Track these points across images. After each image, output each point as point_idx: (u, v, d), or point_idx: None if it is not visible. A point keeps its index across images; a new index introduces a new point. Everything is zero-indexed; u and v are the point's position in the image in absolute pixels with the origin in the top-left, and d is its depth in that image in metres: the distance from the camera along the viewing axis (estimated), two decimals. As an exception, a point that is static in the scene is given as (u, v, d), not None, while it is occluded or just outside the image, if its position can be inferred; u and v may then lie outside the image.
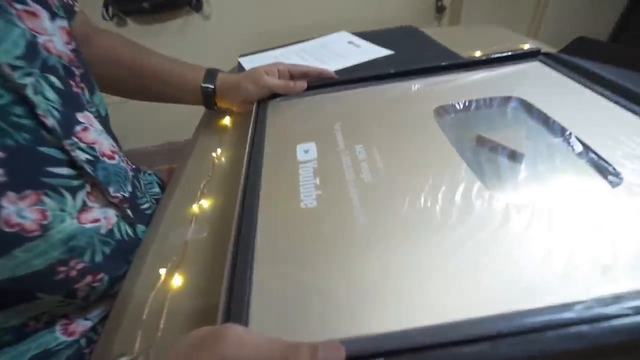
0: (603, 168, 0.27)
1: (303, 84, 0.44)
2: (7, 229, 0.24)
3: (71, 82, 0.30)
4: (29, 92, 0.25)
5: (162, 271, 0.28)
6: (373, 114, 0.39)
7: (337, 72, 0.50)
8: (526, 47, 0.56)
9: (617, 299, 0.17)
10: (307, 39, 0.70)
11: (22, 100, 0.25)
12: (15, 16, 0.26)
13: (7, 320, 0.28)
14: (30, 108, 0.26)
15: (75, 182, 0.29)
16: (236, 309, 0.20)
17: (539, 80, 0.41)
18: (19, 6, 0.27)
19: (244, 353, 0.15)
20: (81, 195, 0.29)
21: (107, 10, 1.43)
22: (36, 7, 0.28)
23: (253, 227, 0.26)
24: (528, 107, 0.36)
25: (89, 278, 0.29)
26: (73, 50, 0.32)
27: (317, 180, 0.30)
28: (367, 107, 0.40)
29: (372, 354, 0.17)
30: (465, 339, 0.17)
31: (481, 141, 0.33)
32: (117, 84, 0.45)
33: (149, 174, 0.45)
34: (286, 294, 0.21)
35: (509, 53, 0.46)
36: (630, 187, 0.24)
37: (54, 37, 0.30)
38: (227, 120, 0.48)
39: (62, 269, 0.27)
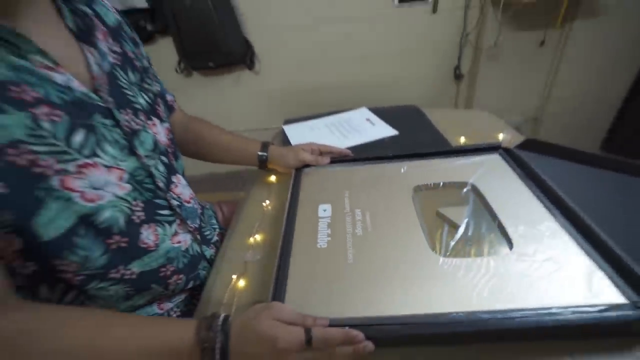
0: (508, 239, 0.44)
1: (327, 159, 0.65)
2: (142, 245, 0.44)
3: (170, 157, 0.52)
4: (152, 169, 0.47)
5: (233, 278, 0.47)
6: (371, 186, 0.57)
7: (352, 147, 0.70)
8: (501, 136, 0.73)
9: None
10: (335, 112, 0.92)
11: (149, 174, 0.46)
12: (147, 127, 0.48)
13: (137, 301, 0.48)
14: (152, 178, 0.46)
15: (171, 218, 0.49)
16: (278, 294, 0.38)
17: (492, 171, 0.58)
18: (149, 122, 0.48)
19: (282, 314, 0.34)
20: (174, 226, 0.49)
21: (179, 65, 1.77)
22: (155, 120, 0.50)
23: (288, 255, 0.45)
24: (476, 192, 0.53)
25: (175, 277, 0.49)
26: (170, 139, 0.53)
27: (329, 231, 0.48)
28: (368, 181, 0.59)
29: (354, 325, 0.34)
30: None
31: (439, 215, 0.50)
32: (198, 153, 0.68)
33: (207, 209, 0.66)
34: (303, 291, 0.39)
35: (480, 145, 0.64)
36: (517, 252, 0.41)
37: (161, 134, 0.50)
38: (272, 178, 0.69)
39: (162, 270, 0.47)
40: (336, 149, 0.67)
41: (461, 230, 0.46)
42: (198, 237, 0.54)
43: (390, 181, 0.58)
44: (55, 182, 0.34)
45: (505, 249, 0.43)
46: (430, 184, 0.56)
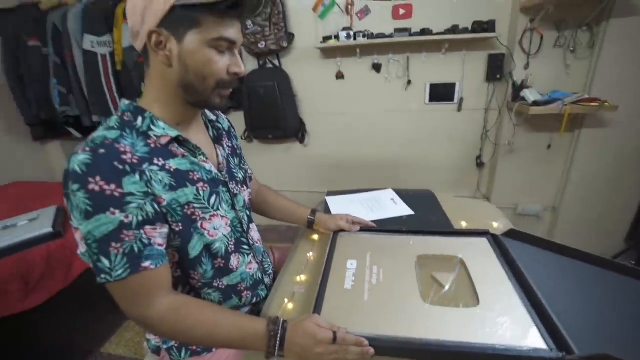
0: (477, 298, 0.63)
1: (357, 228, 0.89)
2: (230, 267, 0.69)
3: (249, 212, 0.78)
4: (242, 218, 0.74)
5: (285, 301, 0.70)
6: (387, 251, 0.80)
7: (377, 220, 0.94)
8: (495, 224, 0.94)
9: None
10: (367, 189, 1.18)
11: (240, 221, 0.72)
12: (241, 192, 0.74)
13: (227, 306, 0.71)
14: (241, 225, 0.73)
15: (248, 251, 0.74)
16: (317, 311, 0.60)
17: (479, 251, 0.78)
18: (242, 188, 0.75)
19: (319, 321, 0.56)
20: (249, 257, 0.74)
21: (244, 133, 2.18)
22: (245, 188, 0.77)
23: (324, 289, 0.67)
24: (462, 264, 0.73)
25: (245, 292, 0.73)
26: (250, 199, 0.80)
27: (353, 278, 0.71)
28: (385, 247, 0.82)
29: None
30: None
31: (432, 277, 0.71)
32: (263, 211, 0.95)
33: (264, 251, 0.91)
34: (333, 312, 0.61)
35: (473, 230, 0.85)
36: (481, 307, 0.60)
37: (247, 196, 0.76)
38: (315, 236, 0.93)
39: (238, 286, 0.71)
40: (364, 221, 0.91)
41: (445, 289, 0.67)
42: (261, 267, 0.78)
43: (400, 249, 0.80)
44: (198, 224, 0.62)
45: (474, 304, 0.62)
46: (430, 255, 0.77)
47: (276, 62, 1.96)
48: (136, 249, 0.51)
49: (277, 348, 0.54)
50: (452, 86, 1.80)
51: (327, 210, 1.07)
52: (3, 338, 1.15)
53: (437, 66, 1.77)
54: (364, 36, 1.69)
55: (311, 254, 0.86)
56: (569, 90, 1.55)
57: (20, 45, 1.88)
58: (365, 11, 1.75)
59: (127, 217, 0.50)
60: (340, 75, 1.92)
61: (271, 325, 0.56)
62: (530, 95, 1.54)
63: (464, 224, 0.95)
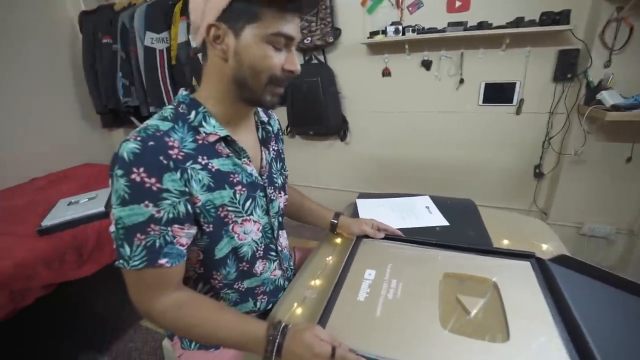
0: (507, 333, 0.54)
1: (382, 235, 0.83)
2: (254, 271, 0.68)
3: (282, 218, 0.77)
4: (274, 224, 0.72)
5: (294, 305, 0.67)
6: (410, 264, 0.73)
7: (406, 229, 0.87)
8: (544, 247, 0.81)
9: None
10: (402, 194, 1.10)
11: (272, 227, 0.71)
12: (278, 198, 0.72)
13: (242, 309, 0.71)
14: (272, 231, 0.71)
15: (274, 258, 0.73)
16: (322, 321, 0.57)
17: (517, 276, 0.68)
18: (279, 194, 0.73)
19: (320, 333, 0.52)
20: (275, 264, 0.73)
21: (287, 128, 2.20)
22: (282, 194, 0.74)
23: (335, 298, 0.63)
24: (496, 288, 0.64)
25: (261, 296, 0.72)
26: (285, 205, 0.79)
27: (369, 290, 0.66)
28: (409, 259, 0.75)
29: None
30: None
31: (457, 300, 0.63)
32: (288, 213, 0.93)
33: (290, 257, 0.89)
34: (339, 325, 0.57)
35: (515, 251, 0.75)
36: (514, 342, 0.52)
37: (282, 202, 0.75)
38: (338, 240, 0.90)
39: (256, 289, 0.70)
40: (391, 229, 0.85)
41: (470, 315, 0.59)
42: (285, 274, 0.77)
43: (425, 264, 0.73)
44: (230, 227, 0.61)
45: (503, 339, 0.54)
46: (458, 274, 0.69)
47: (321, 58, 1.94)
48: (157, 244, 0.52)
49: (274, 354, 0.52)
50: (511, 86, 1.62)
51: (355, 212, 1.02)
52: (57, 302, 1.30)
53: (494, 64, 1.61)
54: (413, 31, 1.59)
55: (330, 258, 0.82)
56: (661, 94, 1.30)
57: (97, 43, 2.10)
58: (417, 4, 1.65)
59: (158, 212, 0.51)
60: (386, 72, 1.84)
61: (271, 330, 0.54)
62: (609, 98, 1.32)
63: (505, 242, 0.84)
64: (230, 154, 0.61)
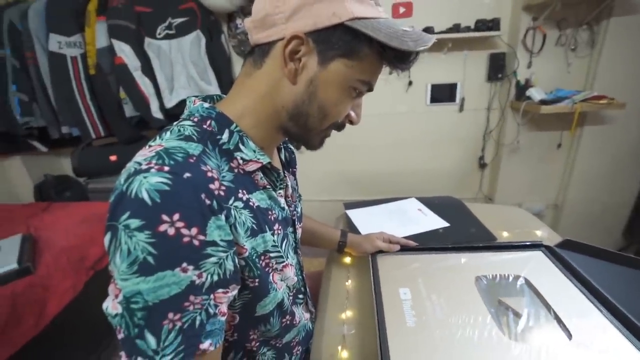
0: (566, 330, 0.54)
1: (397, 247, 0.78)
2: (294, 323, 0.56)
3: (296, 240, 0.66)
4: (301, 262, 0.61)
5: (338, 349, 0.58)
6: (440, 274, 0.70)
7: (411, 236, 0.84)
8: (539, 233, 0.87)
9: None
10: (387, 200, 1.08)
11: (300, 266, 0.60)
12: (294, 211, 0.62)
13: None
14: (301, 269, 0.60)
15: (302, 300, 0.61)
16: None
17: (539, 266, 0.70)
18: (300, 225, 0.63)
19: None
20: (302, 306, 0.61)
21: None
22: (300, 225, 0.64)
23: (384, 331, 0.56)
24: (529, 285, 0.65)
25: (296, 348, 0.60)
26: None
27: (413, 312, 0.60)
28: (438, 269, 0.72)
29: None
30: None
31: (500, 303, 0.62)
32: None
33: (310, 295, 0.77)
34: (403, 357, 0.50)
35: (526, 242, 0.77)
36: (576, 342, 0.51)
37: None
38: (348, 260, 0.82)
39: (292, 341, 0.58)
40: (402, 240, 0.81)
41: (524, 318, 0.57)
42: (312, 316, 0.66)
43: (454, 270, 0.71)
44: (271, 277, 0.48)
45: (564, 339, 0.53)
46: (489, 276, 0.68)
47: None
48: (197, 323, 0.36)
49: None
50: (453, 86, 1.75)
51: (349, 225, 0.96)
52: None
53: (438, 66, 1.72)
54: (364, 35, 1.59)
55: (350, 282, 0.74)
56: (570, 89, 1.54)
57: (-31, 48, 1.62)
58: (363, 9, 1.66)
59: (200, 275, 0.35)
60: (337, 77, 1.82)
61: None
62: (536, 94, 1.51)
63: (505, 235, 0.87)
64: (267, 186, 0.48)
